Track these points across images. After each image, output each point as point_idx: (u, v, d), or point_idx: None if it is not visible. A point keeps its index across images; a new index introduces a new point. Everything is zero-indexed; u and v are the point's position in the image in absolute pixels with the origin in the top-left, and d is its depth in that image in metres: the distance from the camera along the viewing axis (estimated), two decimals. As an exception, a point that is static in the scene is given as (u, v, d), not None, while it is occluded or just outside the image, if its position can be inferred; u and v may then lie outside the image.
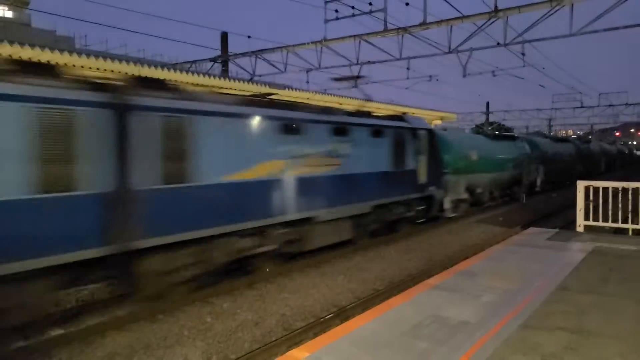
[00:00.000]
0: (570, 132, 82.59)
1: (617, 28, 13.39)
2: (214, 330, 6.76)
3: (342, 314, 7.27)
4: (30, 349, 5.99)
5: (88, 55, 13.93)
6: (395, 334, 4.63)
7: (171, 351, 6.10)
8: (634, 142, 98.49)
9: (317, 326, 6.81)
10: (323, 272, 9.73)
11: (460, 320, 4.98)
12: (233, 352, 6.12)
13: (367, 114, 11.89)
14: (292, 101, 11.00)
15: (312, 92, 22.27)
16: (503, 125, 51.41)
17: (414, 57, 16.76)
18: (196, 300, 7.87)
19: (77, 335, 6.35)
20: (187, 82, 16.69)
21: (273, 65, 18.72)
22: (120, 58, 15.23)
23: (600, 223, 10.31)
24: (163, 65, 17.17)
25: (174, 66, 20.18)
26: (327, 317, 7.17)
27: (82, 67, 13.92)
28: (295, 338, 6.38)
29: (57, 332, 6.47)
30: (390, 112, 17.90)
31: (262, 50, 18.64)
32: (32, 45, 12.58)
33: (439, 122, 35.38)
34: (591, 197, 10.63)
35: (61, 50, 13.08)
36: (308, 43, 17.04)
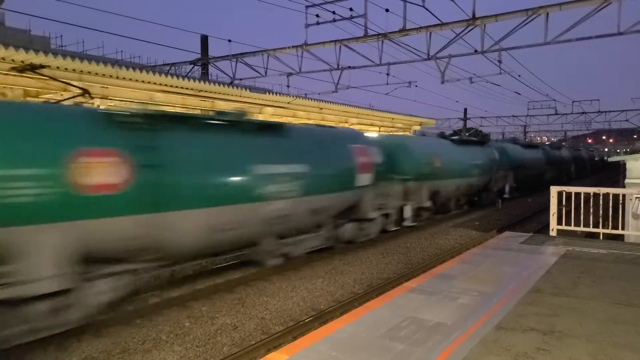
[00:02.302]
0: (544, 138, 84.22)
1: (589, 38, 13.77)
2: (193, 335, 6.74)
3: (321, 317, 7.32)
4: (3, 354, 5.87)
5: (64, 55, 13.69)
6: (373, 336, 4.70)
7: (149, 355, 6.06)
8: (605, 149, 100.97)
9: (296, 329, 6.85)
10: (302, 276, 9.76)
11: (436, 322, 5.08)
12: (212, 356, 6.11)
13: None
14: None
15: (293, 97, 22.32)
16: (480, 131, 52.24)
17: (394, 63, 16.94)
18: (174, 304, 7.83)
19: (53, 340, 6.25)
20: (167, 85, 16.56)
21: (253, 69, 18.70)
22: (97, 59, 15.01)
23: (572, 227, 10.59)
24: (141, 67, 16.99)
25: (152, 68, 20.00)
26: (306, 320, 7.21)
27: (57, 67, 13.69)
28: (274, 342, 6.40)
29: (31, 337, 6.36)
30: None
31: (242, 54, 18.61)
32: (6, 45, 12.31)
33: (417, 127, 35.79)
34: (564, 202, 10.91)
35: (36, 51, 12.83)
36: (289, 47, 17.09)
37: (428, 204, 15.71)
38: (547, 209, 11.90)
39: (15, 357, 5.85)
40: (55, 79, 8.28)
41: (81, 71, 14.22)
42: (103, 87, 15.32)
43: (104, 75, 14.67)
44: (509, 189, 24.30)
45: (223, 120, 8.49)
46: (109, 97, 15.98)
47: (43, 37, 36.87)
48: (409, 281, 6.87)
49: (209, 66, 21.06)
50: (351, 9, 15.30)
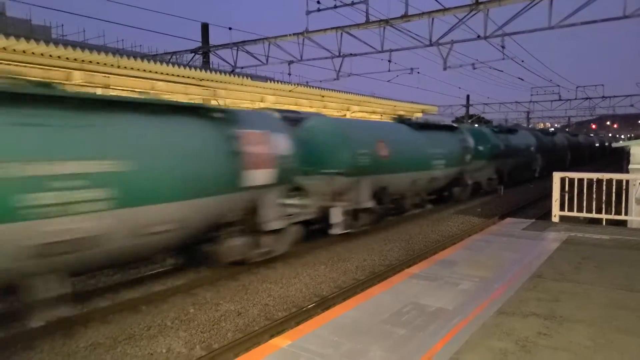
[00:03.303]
0: (548, 124, 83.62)
1: (594, 22, 13.64)
2: (197, 321, 6.81)
3: (324, 303, 7.38)
4: (11, 341, 5.96)
5: (65, 45, 13.68)
6: (375, 322, 4.75)
7: (155, 341, 6.13)
8: (610, 134, 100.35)
9: (299, 315, 6.91)
10: (305, 262, 9.82)
11: (438, 307, 5.12)
12: (216, 341, 6.18)
13: None
14: None
15: (295, 85, 22.25)
16: (483, 117, 52.05)
17: (396, 50, 16.87)
18: (179, 291, 7.90)
19: (59, 327, 6.33)
20: (168, 74, 16.53)
21: (255, 57, 18.65)
22: (98, 49, 15.00)
23: (575, 213, 10.59)
24: (143, 56, 16.96)
25: (153, 57, 19.94)
26: (309, 306, 7.27)
27: (59, 57, 13.68)
28: (277, 327, 6.46)
29: (39, 323, 6.44)
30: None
31: (243, 42, 18.53)
32: (7, 35, 12.31)
33: (419, 114, 35.66)
34: (567, 188, 10.90)
35: (37, 40, 12.83)
36: (290, 35, 17.01)
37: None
38: (549, 195, 11.89)
39: (24, 343, 5.93)
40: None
41: (82, 60, 14.21)
42: (105, 76, 15.32)
43: (105, 64, 14.68)
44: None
45: None
46: (110, 87, 15.98)
47: (44, 27, 36.76)
48: (411, 267, 6.91)
49: (210, 55, 20.99)
50: (352, -5, 15.18)
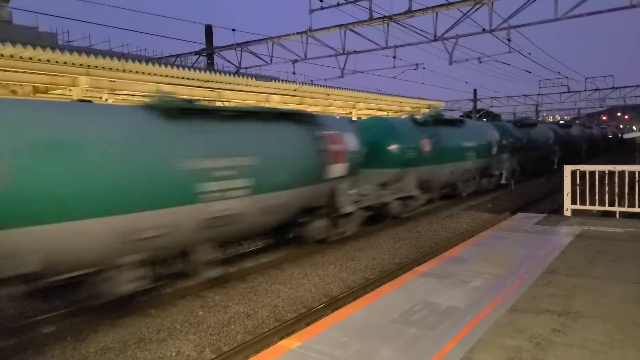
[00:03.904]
0: (557, 117, 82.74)
1: (601, 12, 13.44)
2: (207, 323, 6.78)
3: (334, 304, 7.31)
4: (23, 346, 5.96)
5: (71, 51, 13.74)
6: (385, 321, 4.67)
7: (164, 345, 6.11)
8: (620, 126, 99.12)
9: (308, 316, 6.85)
10: (314, 262, 9.77)
11: (449, 305, 5.03)
12: (226, 344, 6.15)
13: None
14: None
15: (299, 84, 22.20)
16: (491, 112, 51.67)
17: (400, 46, 16.73)
18: (188, 294, 7.88)
19: (70, 331, 6.34)
20: (173, 76, 16.54)
21: (259, 57, 18.62)
22: (104, 53, 15.05)
23: (587, 207, 10.41)
24: (148, 60, 17.00)
25: (158, 60, 20.00)
26: (318, 307, 7.21)
27: (65, 63, 13.74)
28: (287, 329, 6.41)
29: (49, 328, 6.45)
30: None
31: (247, 42, 18.51)
32: (14, 43, 12.38)
33: (426, 110, 35.44)
34: (578, 182, 10.73)
35: (43, 47, 12.89)
36: (293, 34, 16.95)
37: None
38: (561, 189, 11.74)
39: (34, 348, 5.94)
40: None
41: (88, 65, 14.26)
42: (110, 80, 15.36)
43: (110, 69, 14.72)
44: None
45: None
46: (116, 91, 16.04)
47: (51, 34, 37.04)
48: (421, 265, 6.82)
49: (215, 56, 21.01)
50: (356, -8, 15.09)
